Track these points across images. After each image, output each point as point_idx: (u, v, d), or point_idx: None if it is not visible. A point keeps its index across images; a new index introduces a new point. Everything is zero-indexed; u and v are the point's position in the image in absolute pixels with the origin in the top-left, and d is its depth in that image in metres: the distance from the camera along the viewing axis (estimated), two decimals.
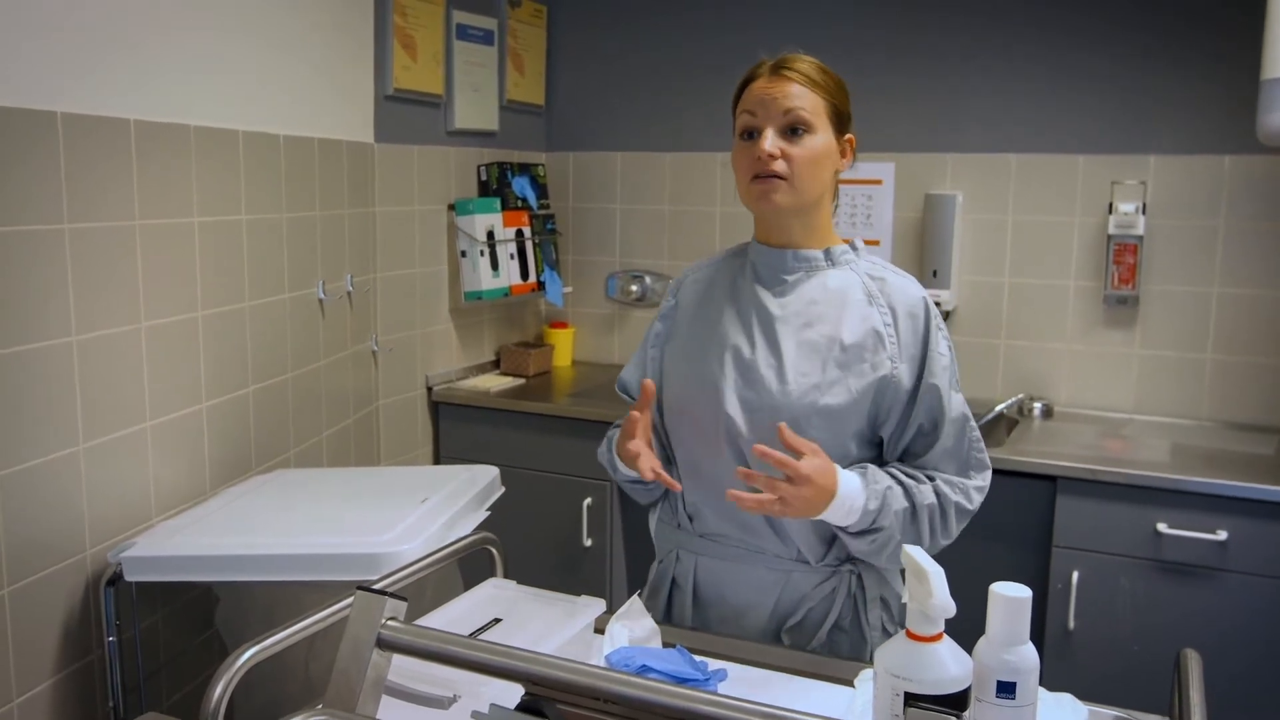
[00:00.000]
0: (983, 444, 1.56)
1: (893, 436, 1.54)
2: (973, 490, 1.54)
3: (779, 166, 1.49)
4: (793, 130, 1.51)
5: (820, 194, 1.55)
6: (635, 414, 1.52)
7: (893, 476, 1.51)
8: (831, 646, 1.57)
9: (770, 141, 1.49)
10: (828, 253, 1.58)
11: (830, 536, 1.56)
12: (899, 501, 1.48)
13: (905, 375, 1.51)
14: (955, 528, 1.54)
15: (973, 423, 1.55)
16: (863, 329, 1.52)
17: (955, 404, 1.53)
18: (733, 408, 1.53)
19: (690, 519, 1.63)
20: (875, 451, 1.57)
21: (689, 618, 1.63)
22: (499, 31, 3.24)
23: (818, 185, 1.53)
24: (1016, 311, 3.03)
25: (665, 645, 1.45)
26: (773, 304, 1.56)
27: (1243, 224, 2.78)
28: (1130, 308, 2.90)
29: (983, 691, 1.01)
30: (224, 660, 1.12)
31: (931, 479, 1.52)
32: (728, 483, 1.49)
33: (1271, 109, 2.16)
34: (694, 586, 1.63)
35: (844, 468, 1.48)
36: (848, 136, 1.57)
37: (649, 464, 1.51)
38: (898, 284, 1.56)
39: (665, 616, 1.67)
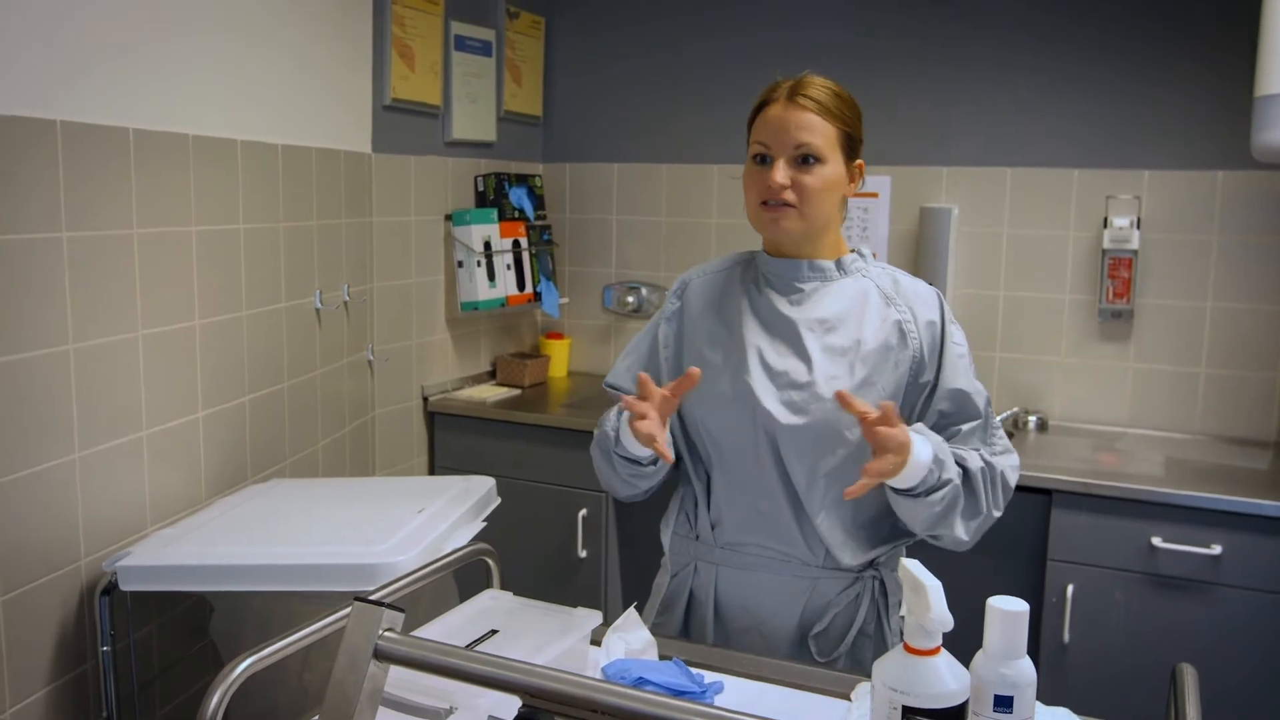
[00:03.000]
0: (1003, 431, 1.60)
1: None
2: (1008, 469, 1.56)
3: (789, 196, 1.52)
4: (804, 160, 1.52)
5: (829, 218, 1.57)
6: (644, 403, 1.46)
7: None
8: (856, 652, 1.59)
9: (781, 173, 1.51)
10: (839, 263, 1.60)
11: (860, 534, 1.57)
12: (953, 463, 1.48)
13: (929, 369, 1.55)
14: (1003, 499, 1.55)
15: (991, 409, 1.59)
16: (884, 329, 1.55)
17: (979, 390, 1.57)
18: (773, 413, 1.53)
19: (712, 528, 1.62)
20: None
21: (710, 631, 1.63)
22: (497, 43, 3.25)
23: (825, 212, 1.55)
24: (1011, 325, 3.04)
25: (662, 657, 1.45)
26: (791, 311, 1.58)
27: (1236, 239, 2.79)
28: (1125, 321, 2.91)
29: (980, 705, 1.01)
30: (219, 671, 1.12)
31: (978, 450, 1.55)
32: (765, 486, 1.53)
33: (1265, 125, 2.18)
34: (715, 599, 1.63)
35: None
36: (857, 162, 1.59)
37: (661, 436, 1.45)
38: (909, 284, 1.60)
39: (683, 630, 1.66)
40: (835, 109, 1.53)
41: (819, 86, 1.54)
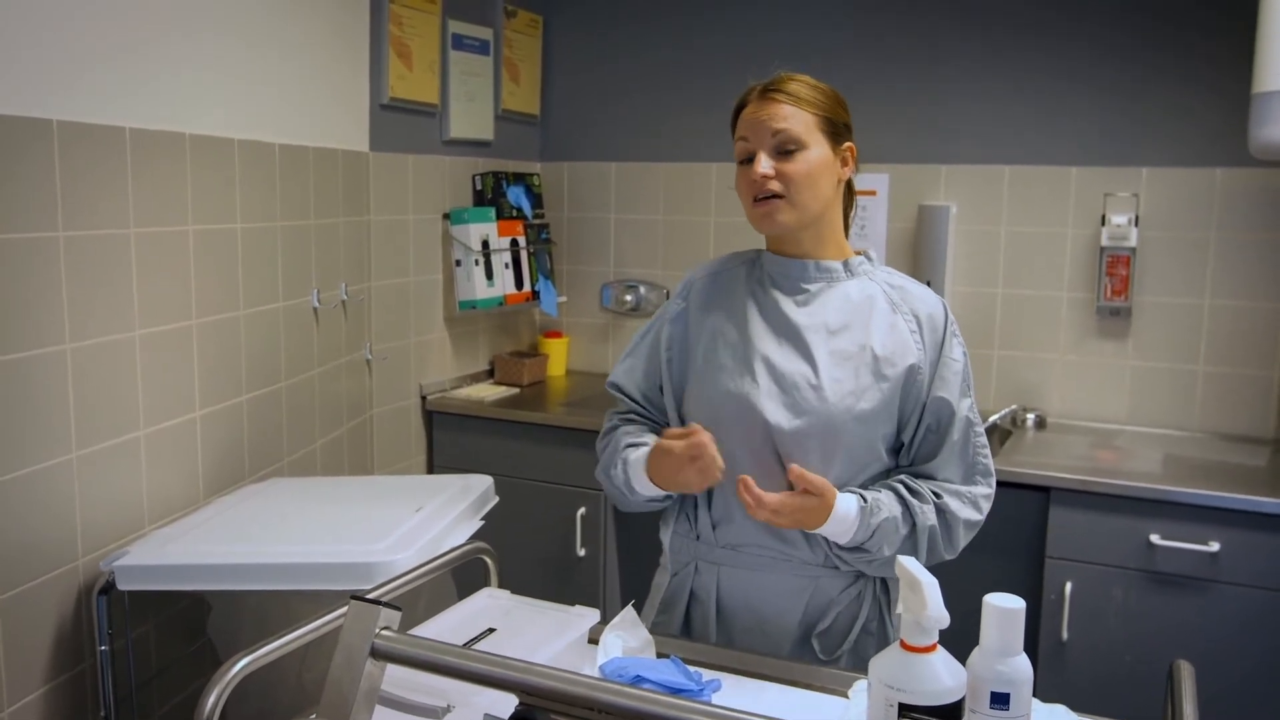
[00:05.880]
0: (988, 450, 1.59)
1: (909, 439, 1.57)
2: (980, 499, 1.57)
3: (775, 186, 1.52)
4: (785, 150, 1.53)
5: (824, 206, 1.57)
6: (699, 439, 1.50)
7: (898, 496, 1.53)
8: (859, 650, 1.59)
9: (764, 164, 1.53)
10: (847, 264, 1.60)
11: None
12: (895, 529, 1.51)
13: (927, 379, 1.55)
14: (962, 542, 1.57)
15: (979, 428, 1.58)
16: (892, 336, 1.55)
17: (963, 408, 1.55)
18: (777, 416, 1.53)
19: (714, 528, 1.62)
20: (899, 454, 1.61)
21: (712, 630, 1.62)
22: (494, 41, 3.24)
23: (818, 198, 1.55)
24: (1010, 322, 3.04)
25: (659, 655, 1.45)
26: (797, 313, 1.58)
27: (1234, 236, 2.79)
28: (1123, 319, 2.91)
29: (976, 702, 1.01)
30: (216, 670, 1.11)
31: (939, 495, 1.54)
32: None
33: (1263, 122, 2.18)
34: (717, 599, 1.63)
35: (873, 470, 1.55)
36: (846, 145, 1.59)
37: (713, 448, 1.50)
38: (917, 292, 1.60)
39: (684, 631, 1.66)
40: (808, 96, 1.54)
41: (790, 80, 1.56)
